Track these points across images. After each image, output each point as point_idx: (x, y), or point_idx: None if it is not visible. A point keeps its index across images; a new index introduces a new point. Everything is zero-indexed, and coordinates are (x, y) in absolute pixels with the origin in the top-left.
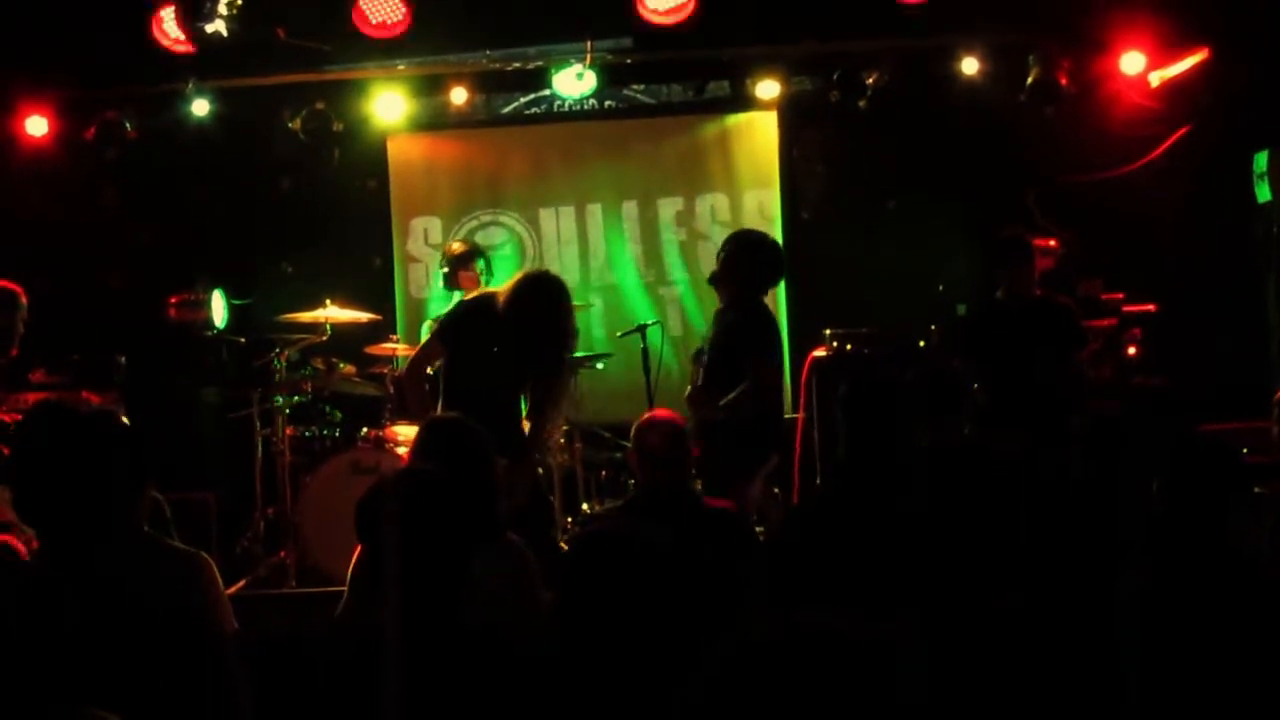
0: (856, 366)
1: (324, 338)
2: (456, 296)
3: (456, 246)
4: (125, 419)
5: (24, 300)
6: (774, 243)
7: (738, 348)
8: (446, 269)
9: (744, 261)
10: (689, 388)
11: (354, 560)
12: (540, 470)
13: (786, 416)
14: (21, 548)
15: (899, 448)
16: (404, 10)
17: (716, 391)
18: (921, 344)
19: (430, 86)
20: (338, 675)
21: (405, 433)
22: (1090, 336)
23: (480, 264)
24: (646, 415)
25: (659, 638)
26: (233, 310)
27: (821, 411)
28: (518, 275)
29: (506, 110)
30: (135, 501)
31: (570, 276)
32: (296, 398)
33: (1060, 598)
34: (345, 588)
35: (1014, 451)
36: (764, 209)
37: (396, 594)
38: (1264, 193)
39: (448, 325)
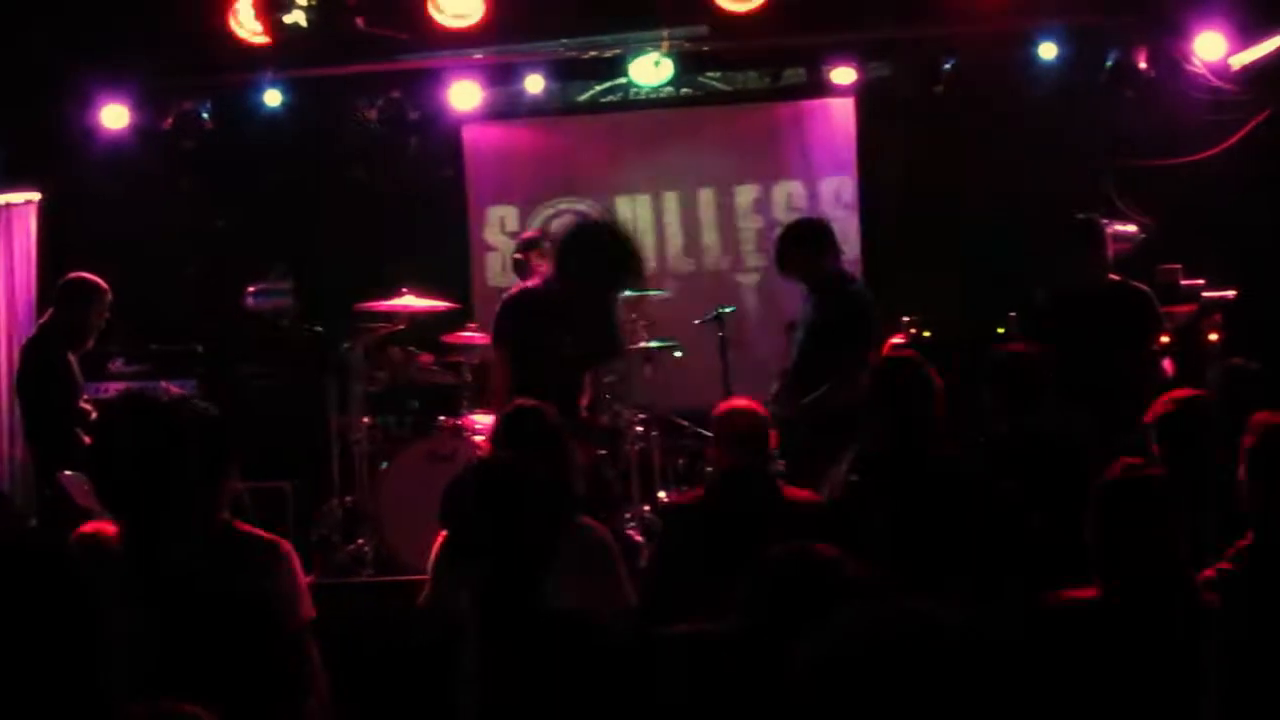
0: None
1: (401, 326)
2: None
3: (528, 233)
4: (203, 406)
5: (108, 295)
6: (813, 220)
7: (829, 336)
8: (518, 256)
9: (798, 251)
10: (774, 384)
11: (435, 548)
12: (603, 451)
13: None
14: (112, 532)
15: (923, 433)
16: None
17: (805, 379)
18: (1000, 330)
19: (506, 75)
20: (418, 661)
21: (483, 421)
22: (1168, 322)
23: (546, 247)
24: (726, 402)
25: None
26: (310, 299)
27: None
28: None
29: (582, 98)
30: (216, 489)
31: (647, 264)
32: (373, 386)
33: (1137, 586)
34: (427, 576)
35: (1089, 437)
36: (841, 196)
37: (480, 580)
38: None
39: (496, 329)
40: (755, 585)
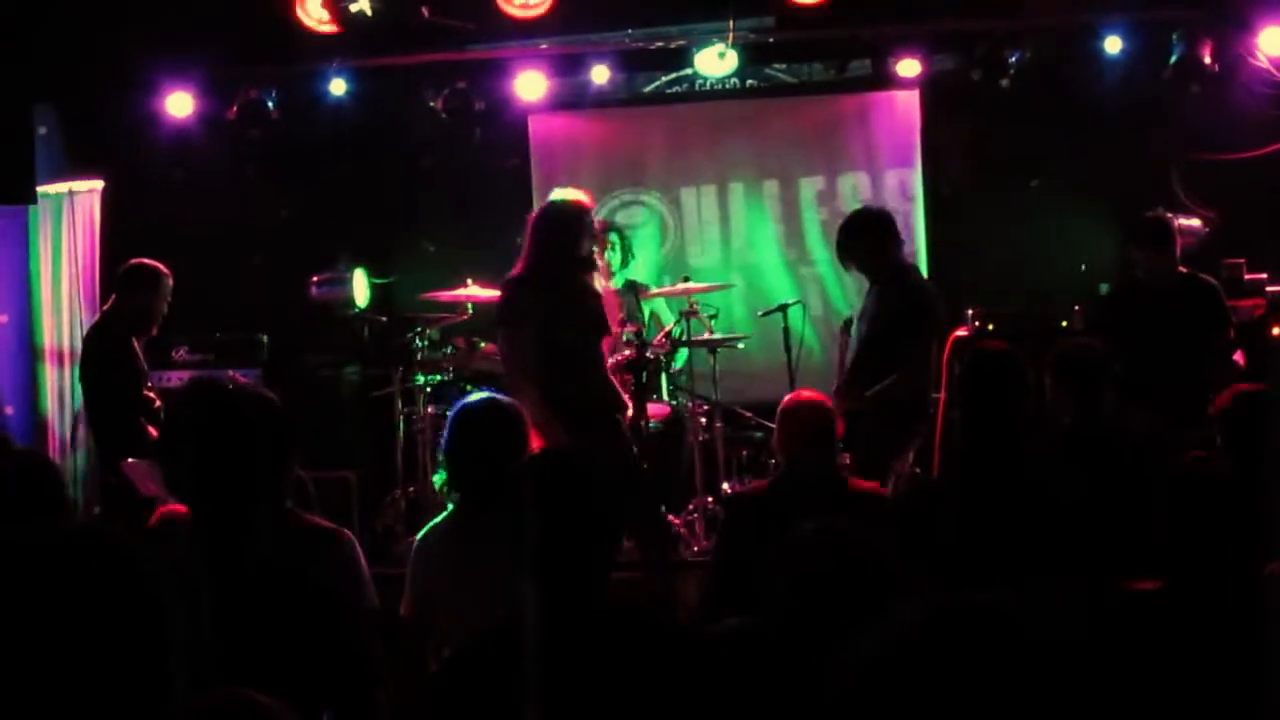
0: (971, 349)
1: (465, 316)
2: None
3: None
4: (268, 395)
5: (169, 280)
6: (873, 211)
7: (891, 328)
8: None
9: (857, 242)
10: (836, 382)
11: (413, 554)
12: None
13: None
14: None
15: (1015, 428)
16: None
17: (868, 371)
18: (1064, 324)
19: (572, 65)
20: (479, 654)
21: None
22: (1232, 316)
23: (613, 238)
24: (792, 395)
25: (805, 623)
26: (374, 289)
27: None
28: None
29: (648, 89)
30: (280, 478)
31: (711, 256)
32: (437, 376)
33: (1200, 585)
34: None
35: (1155, 432)
36: (905, 188)
37: (542, 577)
38: None
39: (504, 309)
40: (784, 572)
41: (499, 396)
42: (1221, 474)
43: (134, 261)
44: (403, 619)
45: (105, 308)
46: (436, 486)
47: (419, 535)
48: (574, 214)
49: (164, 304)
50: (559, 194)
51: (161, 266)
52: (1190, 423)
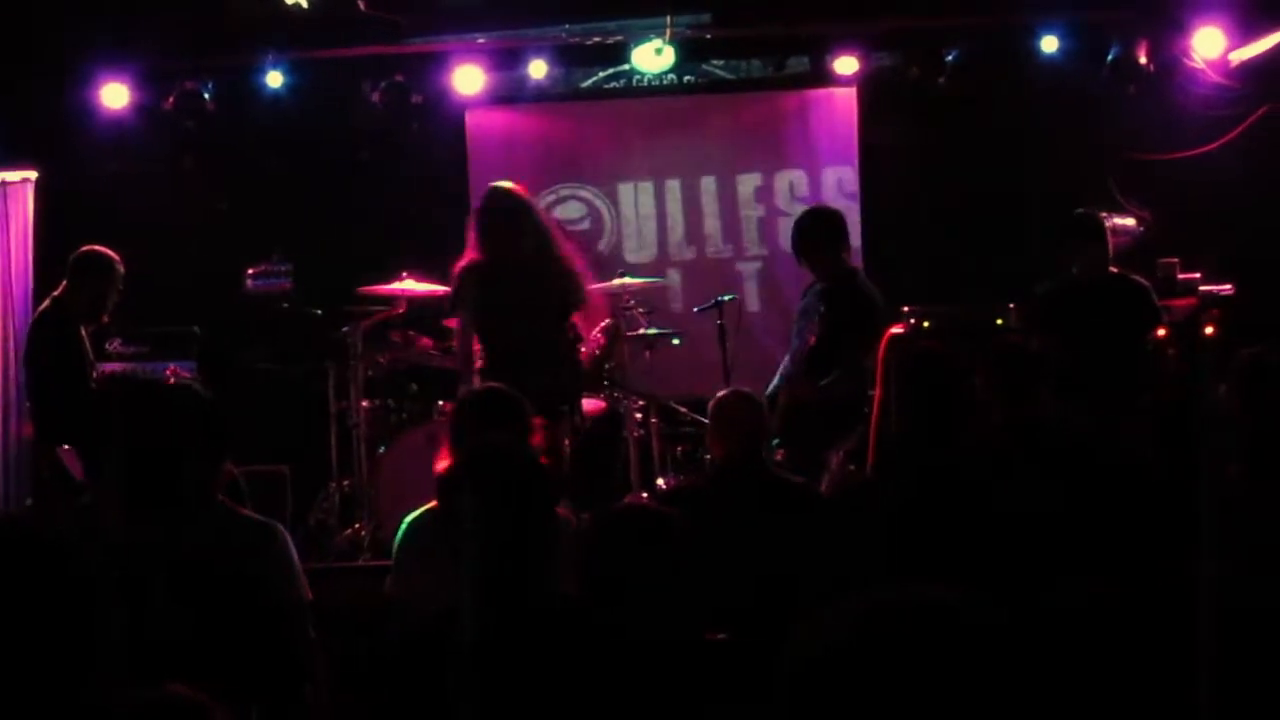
0: (909, 348)
1: (401, 311)
2: None
3: None
4: (201, 391)
5: (121, 269)
6: (831, 210)
7: (840, 329)
8: None
9: (824, 235)
10: (774, 377)
11: (401, 533)
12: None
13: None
14: (109, 513)
15: (949, 430)
16: None
17: (816, 369)
18: (1000, 322)
19: (509, 60)
20: (414, 647)
21: None
22: (1165, 315)
23: None
24: (723, 391)
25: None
26: (309, 282)
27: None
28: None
29: (586, 84)
30: (211, 473)
31: (648, 251)
32: (372, 370)
33: (1133, 581)
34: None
35: (1087, 430)
36: (843, 185)
37: (480, 570)
38: None
39: (450, 297)
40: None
41: (500, 387)
42: (1153, 468)
43: (86, 249)
44: (388, 596)
45: (55, 294)
46: None
47: (409, 517)
48: (516, 202)
49: (115, 292)
50: (500, 184)
51: (114, 254)
52: (1122, 419)
